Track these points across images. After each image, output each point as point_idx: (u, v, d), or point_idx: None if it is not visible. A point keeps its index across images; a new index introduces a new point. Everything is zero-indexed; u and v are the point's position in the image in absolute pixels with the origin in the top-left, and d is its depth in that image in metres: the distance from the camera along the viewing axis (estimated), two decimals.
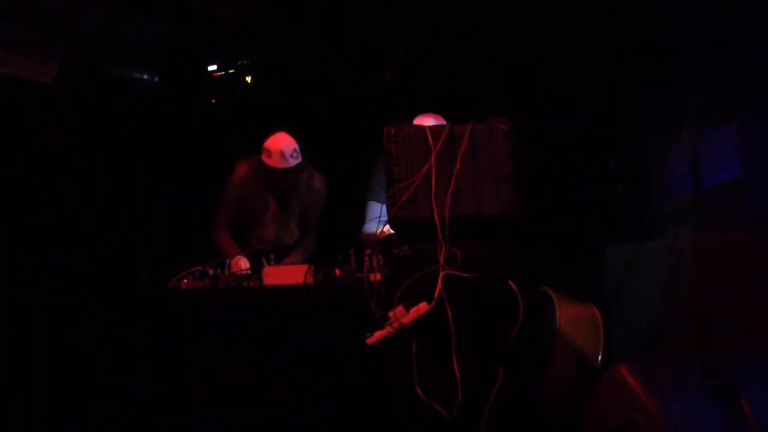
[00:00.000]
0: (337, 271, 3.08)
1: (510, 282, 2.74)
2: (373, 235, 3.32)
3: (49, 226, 4.40)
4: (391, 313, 2.75)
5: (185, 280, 3.24)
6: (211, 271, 3.23)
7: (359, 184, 3.98)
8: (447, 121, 3.47)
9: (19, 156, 4.31)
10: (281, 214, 3.98)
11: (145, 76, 4.92)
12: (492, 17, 4.48)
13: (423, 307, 2.73)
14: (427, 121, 3.78)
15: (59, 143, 4.47)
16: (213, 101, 4.98)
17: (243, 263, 3.44)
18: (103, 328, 4.16)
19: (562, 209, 4.14)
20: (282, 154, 3.71)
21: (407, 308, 2.75)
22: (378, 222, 3.26)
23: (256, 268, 3.32)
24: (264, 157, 3.75)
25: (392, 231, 3.02)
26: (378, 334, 2.75)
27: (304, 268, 3.07)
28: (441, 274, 2.72)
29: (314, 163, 3.97)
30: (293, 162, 3.75)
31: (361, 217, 3.83)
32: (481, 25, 4.55)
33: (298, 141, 3.79)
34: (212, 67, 4.95)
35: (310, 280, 3.04)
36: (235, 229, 3.96)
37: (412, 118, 3.78)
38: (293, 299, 3.00)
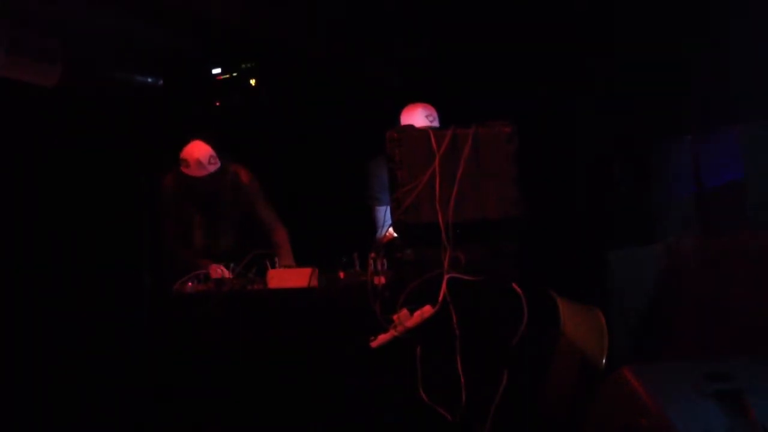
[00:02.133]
0: (342, 275, 3.08)
1: (514, 285, 2.74)
2: (381, 239, 3.33)
3: (53, 228, 4.41)
4: (395, 317, 2.75)
5: (189, 284, 3.25)
6: (213, 275, 3.24)
7: (360, 186, 3.98)
8: (446, 122, 3.47)
9: (22, 158, 4.32)
10: (208, 221, 3.93)
11: (149, 80, 4.93)
12: (492, 17, 4.49)
13: (427, 310, 2.73)
14: (417, 110, 3.78)
15: (62, 146, 4.49)
16: (217, 104, 4.99)
17: (221, 269, 3.43)
18: (107, 332, 4.17)
19: (565, 212, 4.14)
20: (199, 162, 3.70)
21: (411, 311, 2.75)
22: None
23: (260, 271, 3.32)
24: (182, 168, 3.74)
25: (396, 235, 3.02)
26: (382, 338, 2.75)
27: (308, 271, 3.08)
28: (445, 278, 2.72)
29: (238, 160, 3.92)
30: (212, 168, 3.73)
31: (365, 223, 3.83)
32: (481, 25, 4.55)
33: (213, 146, 3.76)
34: (216, 71, 4.96)
35: (314, 283, 3.04)
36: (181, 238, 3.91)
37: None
38: (297, 302, 3.00)
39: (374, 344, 2.76)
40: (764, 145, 3.29)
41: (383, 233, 3.43)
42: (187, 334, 3.11)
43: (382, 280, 2.87)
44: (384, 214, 3.64)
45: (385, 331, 2.75)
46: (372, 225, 3.81)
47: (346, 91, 4.98)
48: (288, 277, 3.11)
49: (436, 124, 3.75)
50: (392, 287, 2.82)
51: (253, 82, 4.91)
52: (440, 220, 2.76)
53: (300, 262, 3.76)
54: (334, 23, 4.68)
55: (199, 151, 3.72)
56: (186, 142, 3.77)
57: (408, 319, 2.74)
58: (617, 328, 3.19)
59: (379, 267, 2.90)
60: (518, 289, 2.73)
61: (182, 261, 3.70)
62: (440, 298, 2.71)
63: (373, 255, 2.92)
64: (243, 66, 4.92)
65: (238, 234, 3.99)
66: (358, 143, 4.30)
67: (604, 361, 2.77)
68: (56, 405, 3.85)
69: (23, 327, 4.08)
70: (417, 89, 4.56)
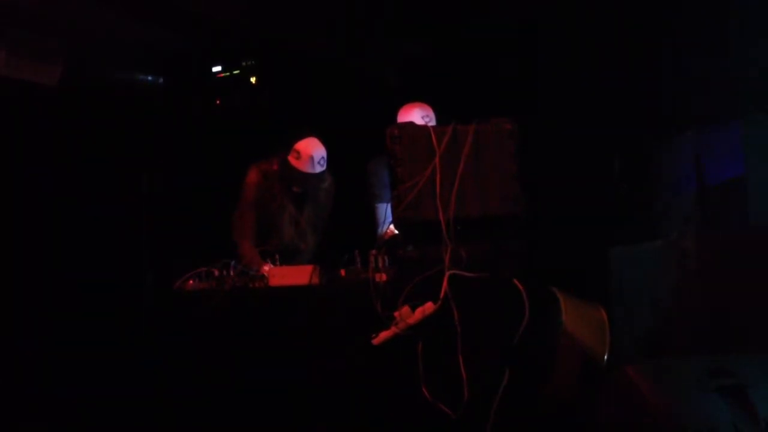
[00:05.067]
0: (343, 272, 3.08)
1: (515, 282, 2.74)
2: (384, 235, 3.33)
3: (53, 227, 4.41)
4: (396, 314, 2.75)
5: (191, 281, 3.25)
6: (216, 272, 3.23)
7: (361, 183, 3.98)
8: (444, 119, 3.47)
9: (24, 158, 4.33)
10: (298, 217, 3.95)
11: (150, 78, 4.93)
12: (493, 17, 4.49)
13: (429, 307, 2.73)
14: (413, 110, 3.78)
15: (63, 145, 4.49)
16: (218, 102, 4.99)
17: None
18: (109, 329, 4.17)
19: (567, 209, 4.14)
20: (312, 159, 3.71)
21: (413, 308, 2.74)
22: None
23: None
24: (292, 158, 3.74)
25: (397, 232, 3.02)
26: (384, 335, 2.75)
27: (309, 268, 3.07)
28: (446, 274, 2.72)
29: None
30: (319, 169, 3.75)
31: (367, 220, 3.83)
32: (482, 24, 4.55)
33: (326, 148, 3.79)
34: (216, 69, 4.96)
35: (315, 280, 3.04)
36: (256, 234, 3.91)
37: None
38: (299, 300, 3.00)
39: (376, 341, 2.76)
40: (765, 141, 3.29)
41: (384, 230, 3.43)
42: (188, 332, 3.11)
43: (384, 277, 2.87)
44: (385, 211, 3.64)
45: (387, 328, 2.75)
46: (373, 222, 3.82)
47: (346, 88, 4.98)
48: (289, 274, 3.11)
49: (432, 123, 3.76)
50: (393, 284, 2.82)
51: (253, 80, 4.91)
52: (441, 216, 2.76)
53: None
54: (333, 21, 4.68)
55: (315, 149, 3.73)
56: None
57: (409, 316, 2.73)
58: (619, 325, 3.18)
59: (380, 264, 2.90)
60: (520, 286, 2.73)
61: (243, 256, 3.67)
62: (441, 295, 2.71)
63: (374, 252, 2.92)
64: (243, 64, 4.92)
65: (320, 236, 4.03)
66: (358, 140, 4.29)
67: (605, 357, 2.77)
68: (56, 404, 3.85)
69: (23, 325, 4.08)
70: (417, 87, 4.56)
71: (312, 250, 3.98)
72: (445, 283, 2.72)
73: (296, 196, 3.88)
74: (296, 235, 3.95)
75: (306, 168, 3.72)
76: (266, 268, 3.33)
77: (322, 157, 3.75)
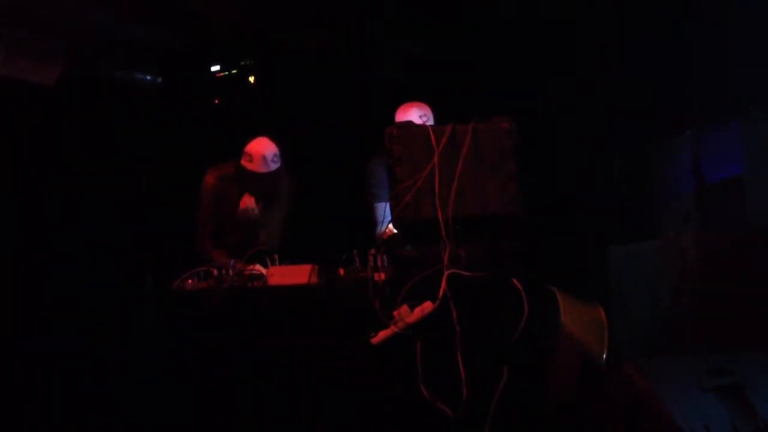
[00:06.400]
0: (342, 271, 3.08)
1: (514, 281, 2.73)
2: (382, 234, 3.33)
3: (53, 227, 4.41)
4: (395, 313, 2.74)
5: (189, 281, 3.25)
6: (215, 272, 3.23)
7: (360, 183, 3.98)
8: (443, 119, 3.47)
9: (22, 157, 4.32)
10: (259, 219, 3.91)
11: (149, 78, 4.93)
12: (493, 16, 4.49)
13: (427, 306, 2.72)
14: (411, 110, 3.79)
15: (62, 145, 4.49)
16: (216, 102, 4.99)
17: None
18: (107, 329, 4.16)
19: (566, 208, 4.14)
20: (264, 158, 3.72)
21: (412, 308, 2.74)
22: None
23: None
24: (244, 162, 3.75)
25: (396, 231, 3.02)
26: (382, 334, 2.75)
27: (308, 267, 3.07)
28: (445, 274, 2.72)
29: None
30: (274, 166, 3.76)
31: (366, 220, 3.83)
32: (483, 24, 4.55)
33: (279, 145, 3.78)
34: (215, 68, 4.96)
35: (314, 280, 3.04)
36: (217, 236, 3.90)
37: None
38: (297, 299, 3.00)
39: (375, 340, 2.75)
40: (765, 140, 3.29)
41: (383, 230, 3.43)
42: (187, 332, 3.11)
43: (382, 276, 2.87)
44: (384, 210, 3.65)
45: (386, 327, 2.75)
46: (372, 221, 3.81)
47: (345, 88, 4.98)
48: (288, 273, 3.11)
49: (430, 123, 3.76)
50: (392, 283, 2.82)
51: (252, 79, 4.91)
52: (440, 216, 2.75)
53: (300, 259, 3.76)
54: (333, 20, 4.67)
55: (265, 148, 3.74)
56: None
57: (408, 315, 2.73)
58: (618, 325, 3.18)
59: (379, 263, 2.90)
60: (518, 285, 2.72)
61: (207, 258, 3.67)
62: (440, 294, 2.71)
63: (373, 251, 2.92)
64: (242, 63, 4.92)
65: (282, 234, 4.00)
66: (357, 140, 4.30)
67: (604, 356, 2.76)
68: (56, 404, 3.85)
69: (23, 325, 4.08)
70: (416, 86, 4.56)
71: (276, 251, 3.92)
72: (444, 283, 2.71)
73: (256, 198, 3.86)
74: (257, 236, 3.92)
75: (260, 168, 3.73)
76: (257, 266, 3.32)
77: (275, 154, 3.76)
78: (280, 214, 3.99)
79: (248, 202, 3.68)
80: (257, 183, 3.78)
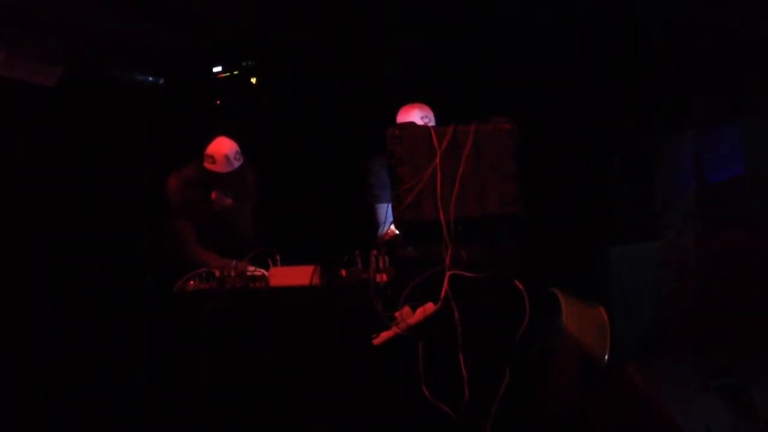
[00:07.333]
0: (343, 272, 3.08)
1: (516, 282, 2.74)
2: (384, 235, 3.33)
3: (53, 228, 4.41)
4: (397, 314, 2.74)
5: (191, 282, 3.25)
6: (217, 273, 3.23)
7: (361, 184, 3.98)
8: (444, 119, 3.48)
9: (23, 158, 4.33)
10: (228, 218, 3.91)
11: (150, 79, 4.93)
12: (493, 16, 4.49)
13: (429, 307, 2.73)
14: (413, 111, 3.79)
15: (63, 146, 4.49)
16: (218, 103, 4.99)
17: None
18: (109, 330, 4.16)
19: (567, 209, 4.14)
20: (227, 158, 3.72)
21: (413, 309, 2.74)
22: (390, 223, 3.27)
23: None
24: (207, 165, 3.74)
25: (397, 232, 3.02)
26: (384, 335, 2.75)
27: (310, 269, 3.07)
28: (447, 275, 2.72)
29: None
30: (237, 164, 3.76)
31: (367, 221, 3.83)
32: (483, 23, 4.55)
33: (239, 142, 3.79)
34: (217, 69, 4.97)
35: (316, 281, 3.04)
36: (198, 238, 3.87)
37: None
38: (299, 300, 3.00)
39: (376, 341, 2.75)
40: (765, 141, 3.29)
41: (384, 231, 3.44)
42: (188, 333, 3.11)
43: (384, 277, 2.87)
44: (385, 211, 3.65)
45: (388, 328, 2.75)
46: (373, 222, 3.82)
47: (346, 89, 4.98)
48: (290, 274, 3.11)
49: (431, 124, 3.76)
50: (394, 284, 2.82)
51: (253, 80, 4.91)
52: (441, 217, 2.76)
53: (302, 260, 3.77)
54: (333, 20, 4.68)
55: (226, 147, 3.74)
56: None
57: (410, 316, 2.73)
58: (619, 324, 3.19)
59: (380, 264, 2.90)
60: (520, 286, 2.73)
61: (198, 263, 3.57)
62: (442, 295, 2.71)
63: (374, 252, 2.92)
64: (244, 64, 4.92)
65: (255, 227, 4.01)
66: (358, 141, 4.30)
67: (606, 357, 2.77)
68: (56, 404, 3.85)
69: (23, 326, 4.08)
70: (417, 86, 4.57)
71: (249, 247, 3.79)
72: (445, 284, 2.71)
73: (221, 197, 3.85)
74: (236, 233, 3.93)
75: (224, 168, 3.73)
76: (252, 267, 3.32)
77: (236, 152, 3.76)
78: (249, 208, 4.01)
79: (219, 194, 3.67)
80: (224, 182, 3.78)
